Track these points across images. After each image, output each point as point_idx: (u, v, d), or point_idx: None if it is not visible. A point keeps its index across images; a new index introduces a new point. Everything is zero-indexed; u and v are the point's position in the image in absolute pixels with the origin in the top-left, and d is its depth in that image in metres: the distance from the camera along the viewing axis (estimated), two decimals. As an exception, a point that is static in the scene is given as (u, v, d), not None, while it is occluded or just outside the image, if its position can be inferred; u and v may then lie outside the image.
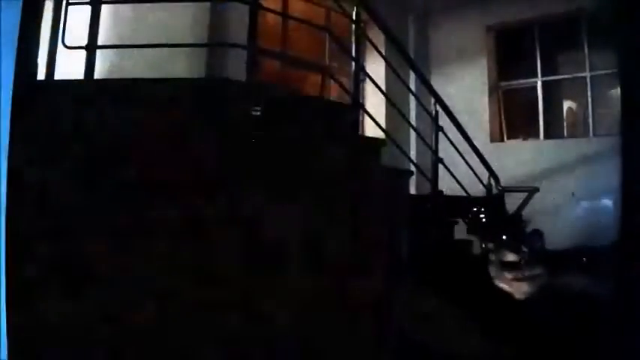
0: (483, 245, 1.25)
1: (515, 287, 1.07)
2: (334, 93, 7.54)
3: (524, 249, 1.13)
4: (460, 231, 5.61)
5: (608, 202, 6.55)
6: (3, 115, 1.00)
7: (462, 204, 5.83)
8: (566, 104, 9.14)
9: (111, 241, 3.06)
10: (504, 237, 1.20)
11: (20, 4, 1.07)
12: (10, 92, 1.02)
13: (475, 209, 5.20)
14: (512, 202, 6.70)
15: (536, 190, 6.72)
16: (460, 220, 5.61)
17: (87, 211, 3.10)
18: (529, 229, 6.84)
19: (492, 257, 1.11)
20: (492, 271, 1.10)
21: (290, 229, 3.44)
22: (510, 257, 1.09)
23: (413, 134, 6.96)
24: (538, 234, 6.30)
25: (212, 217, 3.23)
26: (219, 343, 3.05)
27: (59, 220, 3.02)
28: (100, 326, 2.92)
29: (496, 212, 5.80)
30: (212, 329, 3.05)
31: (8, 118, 1.02)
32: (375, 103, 6.64)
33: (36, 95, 3.14)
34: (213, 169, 3.33)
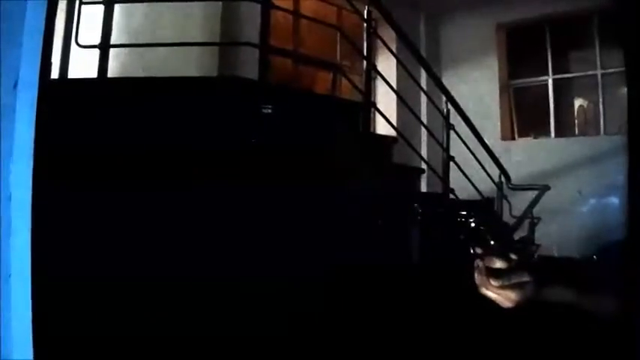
0: (472, 251, 1.25)
1: (501, 295, 1.06)
2: (346, 91, 7.55)
3: (513, 256, 1.12)
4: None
5: (617, 200, 6.54)
6: (28, 114, 1.02)
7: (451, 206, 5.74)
8: (578, 102, 9.10)
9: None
10: (492, 242, 1.18)
11: (46, 2, 1.09)
12: (36, 91, 1.04)
13: (463, 212, 5.13)
14: (523, 199, 6.70)
15: (547, 188, 6.70)
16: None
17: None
18: (537, 228, 6.83)
19: (479, 264, 1.10)
20: (478, 278, 1.09)
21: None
22: (498, 264, 1.08)
23: (424, 132, 6.97)
24: (530, 241, 6.30)
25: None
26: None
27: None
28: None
29: (485, 217, 5.74)
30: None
31: (34, 118, 1.04)
32: (386, 101, 6.66)
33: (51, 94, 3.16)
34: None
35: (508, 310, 1.27)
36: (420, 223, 4.51)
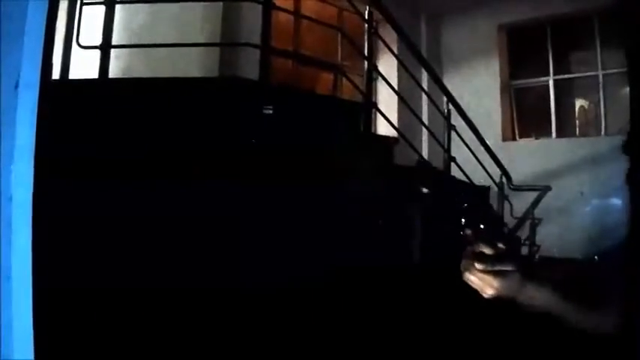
0: (462, 232, 1.25)
1: (484, 280, 1.06)
2: (347, 92, 7.55)
3: (500, 245, 1.13)
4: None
5: (618, 201, 6.52)
6: (29, 115, 1.02)
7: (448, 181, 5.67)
8: (579, 103, 9.09)
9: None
10: (482, 226, 1.19)
11: (47, 3, 1.09)
12: (37, 92, 1.04)
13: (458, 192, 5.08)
14: (525, 200, 6.70)
15: (549, 188, 6.70)
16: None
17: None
18: (538, 228, 6.83)
19: (467, 249, 1.11)
20: (463, 263, 1.09)
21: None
22: (484, 249, 1.08)
23: (425, 133, 6.97)
24: (518, 239, 6.31)
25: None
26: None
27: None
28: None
29: (477, 200, 5.73)
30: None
31: (35, 119, 1.04)
32: (387, 102, 6.66)
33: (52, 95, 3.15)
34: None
35: (494, 300, 1.26)
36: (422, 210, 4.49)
